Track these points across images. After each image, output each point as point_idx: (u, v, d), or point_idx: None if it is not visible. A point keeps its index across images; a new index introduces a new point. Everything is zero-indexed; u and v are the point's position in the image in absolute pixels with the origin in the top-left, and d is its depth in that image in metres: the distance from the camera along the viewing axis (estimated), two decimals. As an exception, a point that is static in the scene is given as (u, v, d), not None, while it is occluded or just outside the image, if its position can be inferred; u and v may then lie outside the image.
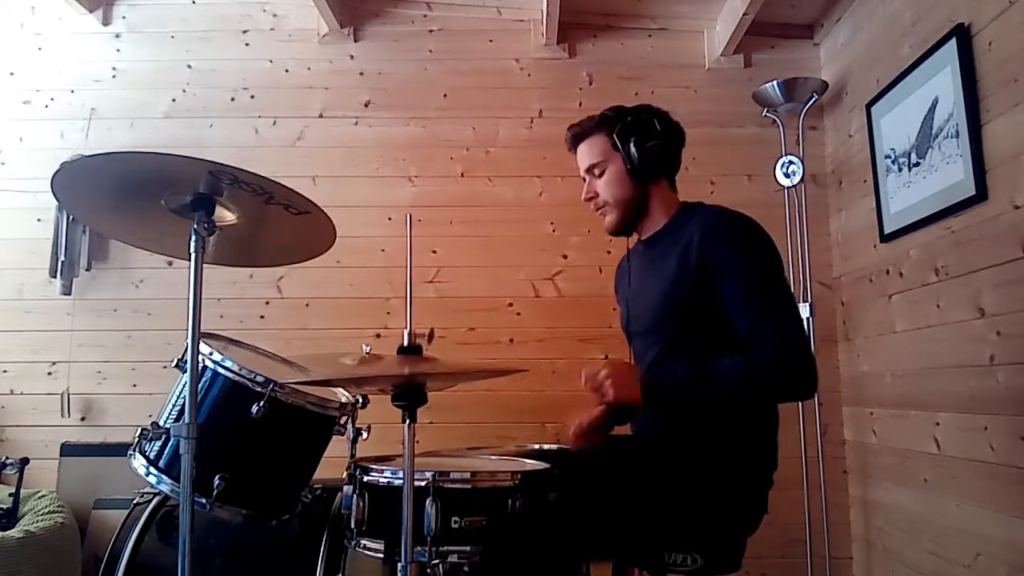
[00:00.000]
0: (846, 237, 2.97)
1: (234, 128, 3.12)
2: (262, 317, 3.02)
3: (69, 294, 2.97)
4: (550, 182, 3.07)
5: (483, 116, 3.13)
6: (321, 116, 3.13)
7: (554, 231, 3.06)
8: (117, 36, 3.19)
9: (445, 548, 1.41)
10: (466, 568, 1.44)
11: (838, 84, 2.99)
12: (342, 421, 1.76)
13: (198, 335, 1.41)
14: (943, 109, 2.26)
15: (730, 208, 1.69)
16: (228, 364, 1.62)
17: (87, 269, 2.99)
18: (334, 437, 1.77)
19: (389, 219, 3.03)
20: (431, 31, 3.19)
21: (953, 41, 2.18)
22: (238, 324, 2.93)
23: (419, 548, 1.38)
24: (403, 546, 1.34)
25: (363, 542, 1.51)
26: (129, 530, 1.86)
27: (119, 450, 1.72)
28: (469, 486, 1.48)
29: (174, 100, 3.14)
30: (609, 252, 2.88)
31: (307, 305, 3.02)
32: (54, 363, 2.98)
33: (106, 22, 3.19)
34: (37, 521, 2.33)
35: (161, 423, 1.58)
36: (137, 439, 1.59)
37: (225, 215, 1.49)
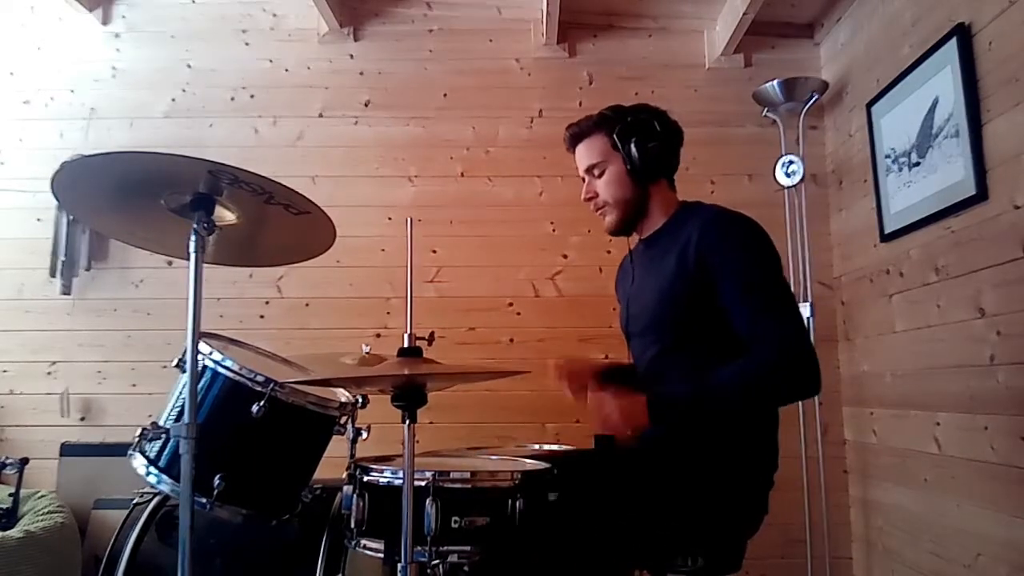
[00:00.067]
0: (846, 237, 2.96)
1: (234, 128, 3.11)
2: (262, 317, 3.01)
3: (69, 294, 2.98)
4: (550, 182, 3.07)
5: (483, 116, 3.12)
6: (321, 116, 3.13)
7: (554, 231, 3.06)
8: (117, 36, 3.19)
9: (445, 548, 1.41)
10: (466, 568, 1.44)
11: (838, 84, 2.98)
12: (342, 421, 1.76)
13: (198, 335, 1.41)
14: (943, 109, 2.26)
15: (729, 208, 1.68)
16: (228, 364, 1.62)
17: (87, 269, 2.99)
18: (334, 437, 1.77)
19: (389, 219, 3.03)
20: (431, 31, 3.19)
21: (953, 41, 2.18)
22: (238, 324, 2.93)
23: (419, 548, 1.38)
24: (403, 546, 1.34)
25: (363, 542, 1.50)
26: (129, 530, 1.85)
27: (119, 450, 1.71)
28: (469, 486, 1.48)
29: (174, 100, 3.14)
30: (609, 252, 2.88)
31: (307, 305, 3.02)
32: (54, 363, 2.98)
33: (106, 22, 3.19)
34: (37, 521, 2.33)
35: (161, 423, 1.59)
36: (137, 439, 1.58)
37: (225, 215, 1.49)
